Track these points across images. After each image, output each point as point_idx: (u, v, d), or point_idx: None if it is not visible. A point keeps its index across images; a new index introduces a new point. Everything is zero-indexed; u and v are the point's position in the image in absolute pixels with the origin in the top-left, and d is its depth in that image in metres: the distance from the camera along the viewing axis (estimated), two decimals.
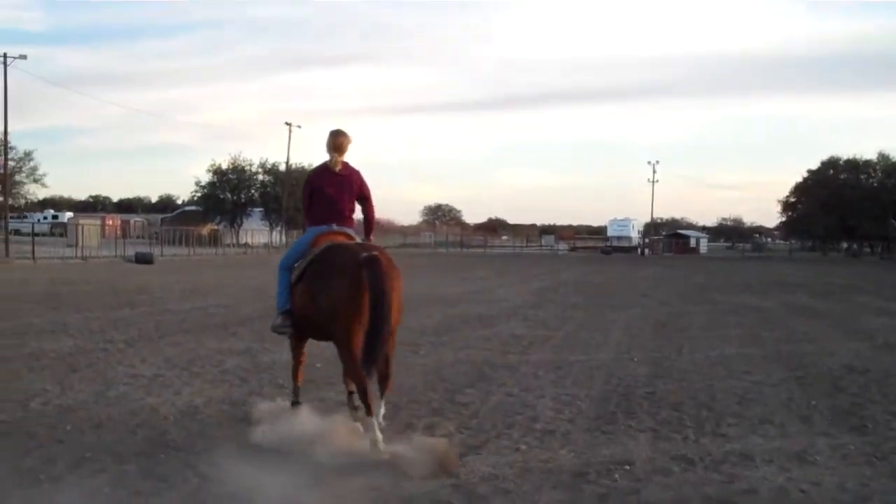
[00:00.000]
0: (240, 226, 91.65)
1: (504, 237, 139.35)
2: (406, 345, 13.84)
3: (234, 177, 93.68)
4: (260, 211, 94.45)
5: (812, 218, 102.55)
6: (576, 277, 41.07)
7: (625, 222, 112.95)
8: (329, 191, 8.31)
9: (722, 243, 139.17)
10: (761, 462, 7.02)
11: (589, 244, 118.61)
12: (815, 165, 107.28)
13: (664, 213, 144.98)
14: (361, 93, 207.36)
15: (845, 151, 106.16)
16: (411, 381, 10.49)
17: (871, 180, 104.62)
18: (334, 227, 8.21)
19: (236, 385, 10.07)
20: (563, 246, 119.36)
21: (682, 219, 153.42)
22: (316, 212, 8.37)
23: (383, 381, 7.48)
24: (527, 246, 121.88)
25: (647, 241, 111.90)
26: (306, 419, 7.87)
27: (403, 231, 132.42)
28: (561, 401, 9.39)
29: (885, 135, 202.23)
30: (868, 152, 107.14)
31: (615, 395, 9.90)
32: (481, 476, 6.49)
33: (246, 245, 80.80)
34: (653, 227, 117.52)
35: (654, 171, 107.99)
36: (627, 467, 6.78)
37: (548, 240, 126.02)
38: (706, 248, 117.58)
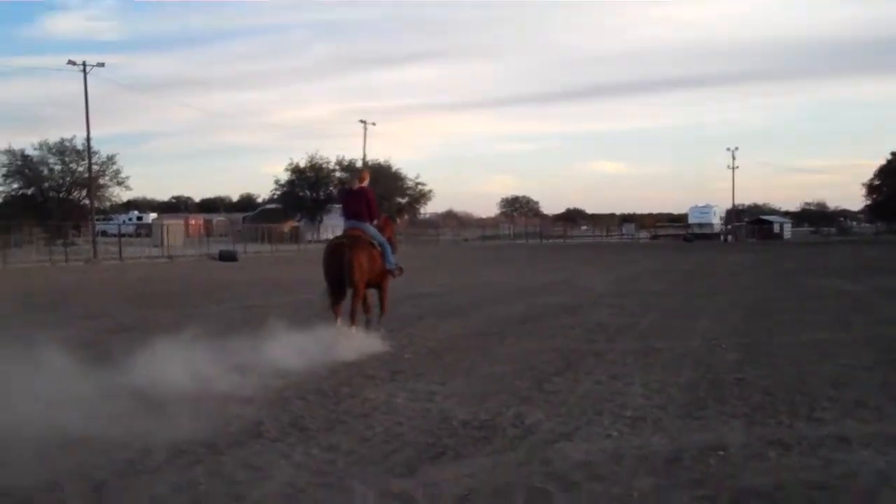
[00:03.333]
0: (320, 222, 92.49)
1: (583, 227, 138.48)
2: (492, 334, 13.94)
3: (312, 174, 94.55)
4: (339, 207, 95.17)
5: None
6: (658, 265, 40.71)
7: (706, 209, 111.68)
8: (350, 201, 14.12)
9: (806, 228, 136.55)
10: (858, 446, 6.90)
11: (670, 232, 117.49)
12: None
13: (745, 199, 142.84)
14: (432, 89, 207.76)
15: None
16: (499, 369, 10.55)
17: None
18: (353, 222, 13.88)
19: (325, 377, 10.17)
20: (643, 234, 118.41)
21: (764, 204, 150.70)
22: (344, 212, 14.27)
23: (366, 309, 13.86)
24: (607, 235, 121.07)
25: (729, 227, 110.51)
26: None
27: (481, 223, 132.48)
28: (650, 388, 9.33)
29: None
30: None
31: (705, 381, 9.81)
32: (574, 463, 6.48)
33: (327, 240, 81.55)
34: (734, 214, 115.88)
35: (734, 158, 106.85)
36: (722, 453, 6.71)
37: (628, 228, 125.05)
38: (790, 233, 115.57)
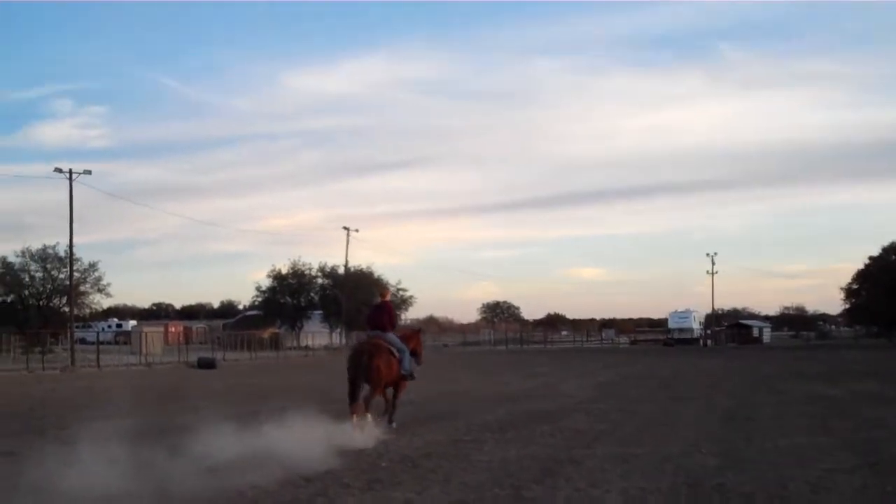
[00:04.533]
0: (300, 329, 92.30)
1: (564, 332, 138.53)
2: (470, 442, 13.83)
3: (294, 281, 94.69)
4: (320, 313, 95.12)
5: (876, 304, 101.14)
6: (638, 370, 40.67)
7: (685, 314, 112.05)
8: (374, 314, 16.71)
9: (785, 332, 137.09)
10: None
11: (650, 337, 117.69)
12: (876, 252, 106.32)
13: (725, 303, 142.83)
14: (417, 196, 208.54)
15: None
16: (477, 477, 10.44)
17: None
18: (376, 332, 16.15)
19: (300, 486, 10.03)
20: (623, 339, 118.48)
21: (743, 308, 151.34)
22: (369, 322, 16.68)
23: (388, 408, 16.22)
24: (587, 340, 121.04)
25: (708, 332, 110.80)
26: None
27: (462, 329, 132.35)
28: (629, 495, 9.26)
29: None
30: None
31: (684, 487, 9.74)
32: None
33: (307, 347, 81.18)
34: (714, 318, 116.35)
35: (713, 263, 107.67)
36: None
37: (608, 333, 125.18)
38: (769, 337, 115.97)
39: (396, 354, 15.91)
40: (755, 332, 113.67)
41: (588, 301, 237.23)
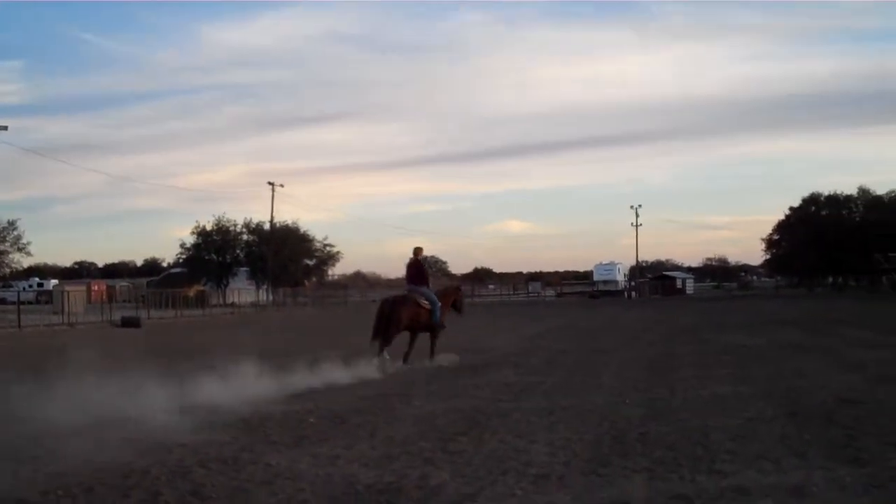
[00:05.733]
0: (226, 286, 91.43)
1: (491, 286, 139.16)
2: (397, 396, 13.83)
3: (219, 238, 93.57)
4: (246, 270, 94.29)
5: (796, 254, 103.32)
6: (565, 323, 41.07)
7: (610, 266, 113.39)
8: (409, 270, 19.87)
9: (708, 283, 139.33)
10: (758, 497, 6.99)
11: (576, 289, 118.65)
12: (797, 203, 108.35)
13: (649, 255, 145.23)
14: (342, 150, 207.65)
15: (826, 188, 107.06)
16: (404, 432, 10.46)
17: (853, 215, 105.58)
18: (411, 286, 19.51)
19: (227, 443, 9.96)
20: (549, 292, 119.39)
21: (667, 260, 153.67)
22: (406, 278, 19.93)
23: (432, 343, 19.53)
24: (514, 294, 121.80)
25: (633, 283, 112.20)
26: None
27: (390, 284, 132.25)
28: (555, 445, 9.34)
29: (865, 170, 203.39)
30: (849, 188, 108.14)
31: (609, 437, 9.86)
32: None
33: (233, 305, 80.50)
34: (638, 270, 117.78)
35: (637, 215, 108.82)
36: None
37: (534, 287, 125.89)
38: (693, 288, 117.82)
39: (426, 306, 19.24)
40: (678, 284, 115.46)
41: (515, 255, 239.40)
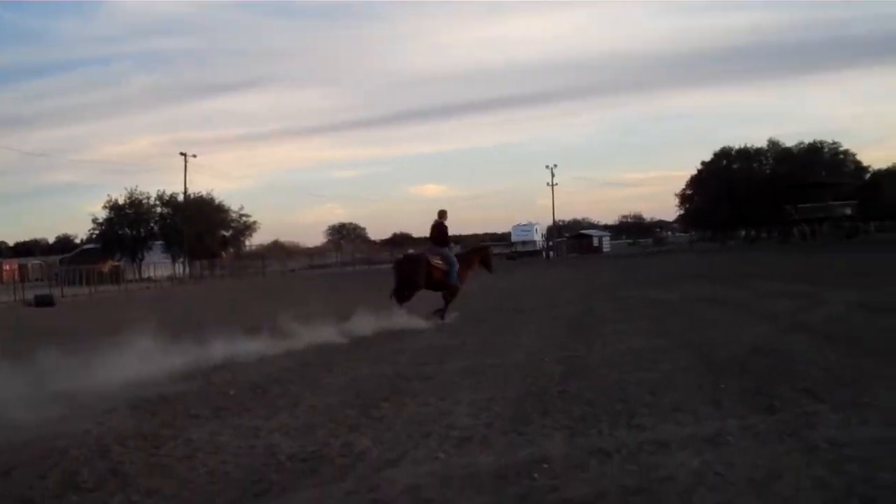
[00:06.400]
0: (141, 260, 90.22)
1: (411, 250, 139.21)
2: (319, 365, 13.80)
3: (132, 211, 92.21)
4: (161, 244, 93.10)
5: (708, 208, 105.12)
6: (483, 284, 41.23)
7: (527, 227, 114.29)
8: (432, 232, 21.28)
9: (624, 240, 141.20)
10: (676, 448, 7.13)
11: (494, 251, 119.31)
12: (709, 158, 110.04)
13: (566, 215, 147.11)
14: (255, 118, 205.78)
15: (739, 142, 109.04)
16: (326, 400, 10.43)
17: (763, 168, 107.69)
18: (432, 246, 20.95)
19: (145, 419, 9.85)
20: None
21: (583, 219, 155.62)
22: (430, 239, 21.27)
23: (445, 301, 20.74)
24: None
25: (551, 243, 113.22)
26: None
27: (309, 252, 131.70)
28: (477, 406, 9.41)
29: (775, 123, 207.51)
30: (759, 141, 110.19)
31: (530, 395, 9.96)
32: (402, 487, 6.47)
33: (149, 279, 79.48)
34: (556, 230, 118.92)
35: (553, 175, 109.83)
36: (546, 466, 6.82)
37: (454, 249, 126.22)
38: (609, 246, 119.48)
39: (440, 265, 20.50)
40: (595, 242, 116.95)
41: (432, 219, 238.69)
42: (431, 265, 20.38)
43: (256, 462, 7.50)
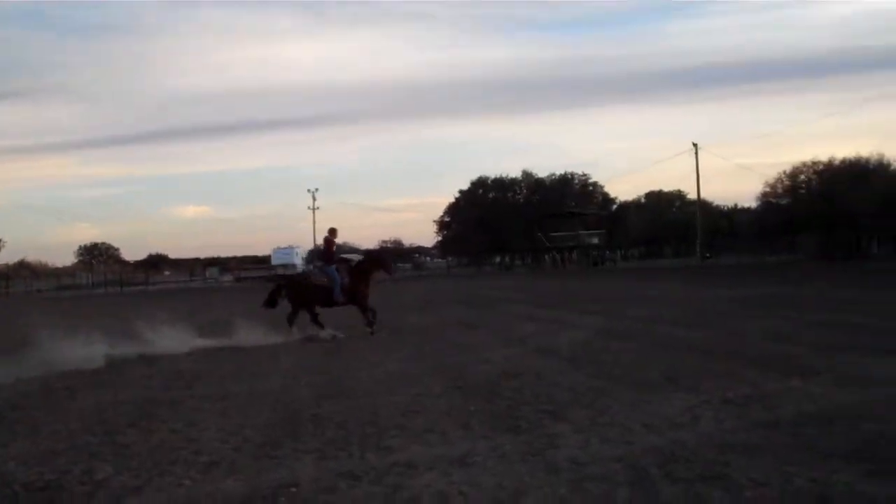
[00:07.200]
0: None
1: (167, 272, 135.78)
2: (63, 389, 13.22)
3: None
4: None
5: (465, 235, 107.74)
6: (240, 309, 40.64)
7: (288, 250, 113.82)
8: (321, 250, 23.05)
9: None
10: (424, 469, 7.25)
11: (254, 274, 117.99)
12: (466, 186, 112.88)
13: None
14: (7, 133, 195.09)
15: (496, 172, 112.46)
16: (68, 426, 10.01)
17: (517, 196, 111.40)
18: (319, 264, 23.54)
19: None
20: (228, 277, 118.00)
21: (344, 243, 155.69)
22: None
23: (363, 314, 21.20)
24: (191, 280, 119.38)
25: (311, 267, 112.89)
26: None
27: (57, 273, 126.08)
28: (226, 431, 9.27)
29: (532, 154, 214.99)
30: (515, 171, 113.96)
31: (281, 419, 9.91)
32: None
33: None
34: (316, 254, 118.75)
35: (314, 199, 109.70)
36: (294, 489, 6.80)
37: (212, 272, 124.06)
38: None
39: (324, 283, 21.17)
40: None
41: (191, 240, 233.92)
42: (315, 284, 21.49)
43: None
